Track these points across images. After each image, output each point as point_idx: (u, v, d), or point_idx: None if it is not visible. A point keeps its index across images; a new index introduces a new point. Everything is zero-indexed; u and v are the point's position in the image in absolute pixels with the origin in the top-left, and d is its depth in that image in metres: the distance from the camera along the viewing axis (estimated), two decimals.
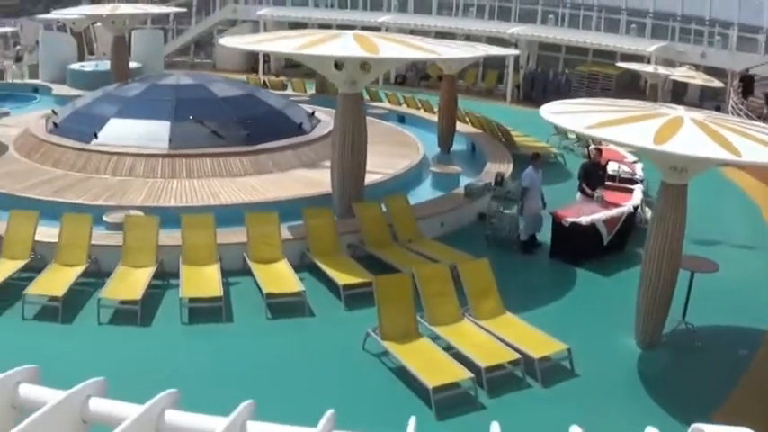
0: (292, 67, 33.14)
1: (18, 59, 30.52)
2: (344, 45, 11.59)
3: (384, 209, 12.29)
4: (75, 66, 27.01)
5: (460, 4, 31.86)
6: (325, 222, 11.52)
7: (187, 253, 10.84)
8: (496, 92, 30.22)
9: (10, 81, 27.91)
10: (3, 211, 11.88)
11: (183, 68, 31.05)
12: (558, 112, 9.41)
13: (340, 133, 12.35)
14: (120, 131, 15.39)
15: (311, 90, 25.61)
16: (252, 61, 33.15)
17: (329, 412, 2.39)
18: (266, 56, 32.27)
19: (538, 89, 29.19)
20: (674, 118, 8.52)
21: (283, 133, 16.31)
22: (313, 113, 18.14)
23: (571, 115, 9.45)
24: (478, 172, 15.99)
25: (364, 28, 30.60)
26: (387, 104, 24.06)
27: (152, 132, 15.27)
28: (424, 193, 14.98)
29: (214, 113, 16.09)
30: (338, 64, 12.06)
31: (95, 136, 15.31)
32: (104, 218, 11.88)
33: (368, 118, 19.86)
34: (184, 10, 31.66)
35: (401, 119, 22.23)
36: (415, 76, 31.92)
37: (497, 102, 28.43)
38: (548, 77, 29.58)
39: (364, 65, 11.97)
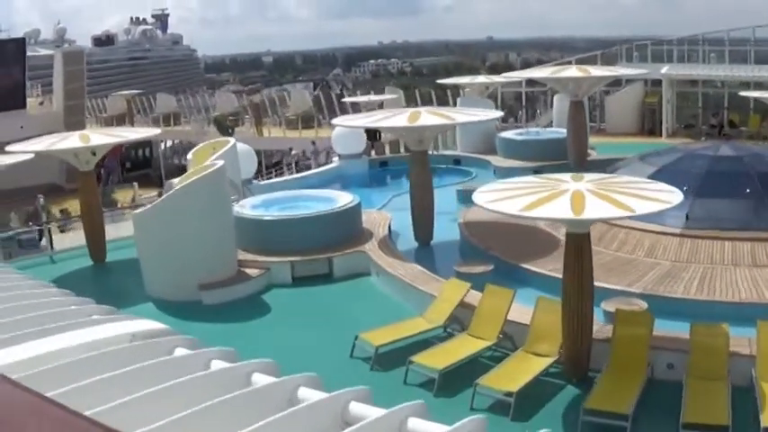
0: (689, 126, 31.61)
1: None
2: None
3: None
4: (508, 134, 25.34)
5: None
6: None
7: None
8: None
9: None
10: (684, 320, 10.46)
11: None
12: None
13: None
14: None
15: None
16: (649, 122, 31.83)
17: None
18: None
19: None
20: None
21: None
22: None
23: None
24: None
25: (757, 84, 28.26)
26: None
27: None
28: None
29: (738, 190, 14.69)
30: None
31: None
32: None
33: None
34: (644, 71, 30.03)
35: None
36: None
37: None
38: None
39: None
